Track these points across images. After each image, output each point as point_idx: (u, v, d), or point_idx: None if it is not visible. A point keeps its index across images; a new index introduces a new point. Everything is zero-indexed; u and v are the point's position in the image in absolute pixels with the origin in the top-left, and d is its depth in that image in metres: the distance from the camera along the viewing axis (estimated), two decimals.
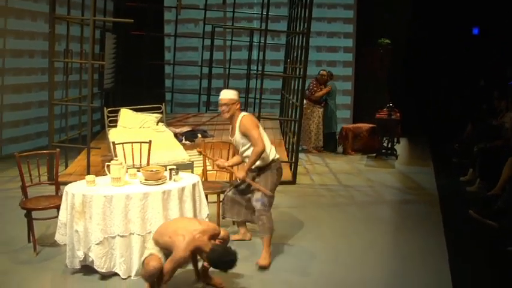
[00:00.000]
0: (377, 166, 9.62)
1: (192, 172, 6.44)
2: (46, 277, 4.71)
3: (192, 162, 7.04)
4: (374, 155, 10.26)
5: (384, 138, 10.30)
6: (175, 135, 9.18)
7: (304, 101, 10.61)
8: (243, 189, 5.28)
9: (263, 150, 4.91)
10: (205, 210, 5.05)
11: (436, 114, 12.77)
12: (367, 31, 12.71)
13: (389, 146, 10.27)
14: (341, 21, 13.11)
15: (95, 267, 4.60)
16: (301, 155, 8.47)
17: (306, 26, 8.22)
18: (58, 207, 5.04)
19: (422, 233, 5.96)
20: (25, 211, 5.21)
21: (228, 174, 6.11)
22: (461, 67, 12.32)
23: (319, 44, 13.00)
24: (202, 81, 12.66)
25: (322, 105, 10.73)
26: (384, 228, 6.16)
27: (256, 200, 5.00)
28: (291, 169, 8.45)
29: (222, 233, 4.34)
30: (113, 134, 8.28)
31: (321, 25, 12.94)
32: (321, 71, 10.86)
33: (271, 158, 5.07)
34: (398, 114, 10.30)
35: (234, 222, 5.76)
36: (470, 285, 4.76)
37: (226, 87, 4.49)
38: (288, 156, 9.08)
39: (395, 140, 10.29)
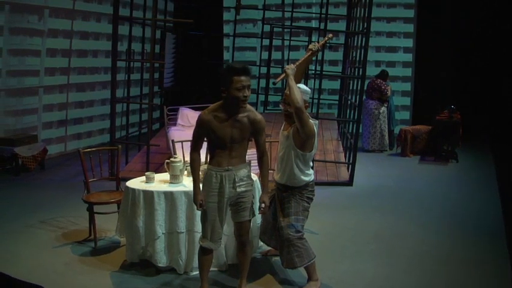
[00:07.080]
0: (436, 169, 9.38)
1: None
2: (105, 269, 4.84)
3: (249, 161, 7.05)
4: (433, 157, 10.02)
5: (444, 141, 10.04)
6: None
7: (374, 102, 10.54)
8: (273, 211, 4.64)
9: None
10: None
11: (500, 116, 12.31)
12: (427, 31, 12.42)
13: (449, 148, 10.00)
14: (401, 21, 12.91)
15: (153, 262, 4.70)
16: (358, 156, 8.36)
17: (365, 25, 8.12)
18: (119, 202, 5.21)
19: (483, 239, 5.77)
20: (87, 205, 5.39)
21: None
22: None
23: (379, 44, 12.85)
24: (260, 80, 12.71)
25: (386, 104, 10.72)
26: (442, 232, 5.99)
27: (288, 226, 4.32)
28: (348, 170, 8.38)
29: None
30: (172, 132, 8.43)
31: (380, 25, 12.78)
32: (384, 70, 10.90)
33: (306, 179, 4.41)
34: (459, 117, 10.02)
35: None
36: None
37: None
38: (345, 157, 9.01)
39: (456, 143, 10.00)
